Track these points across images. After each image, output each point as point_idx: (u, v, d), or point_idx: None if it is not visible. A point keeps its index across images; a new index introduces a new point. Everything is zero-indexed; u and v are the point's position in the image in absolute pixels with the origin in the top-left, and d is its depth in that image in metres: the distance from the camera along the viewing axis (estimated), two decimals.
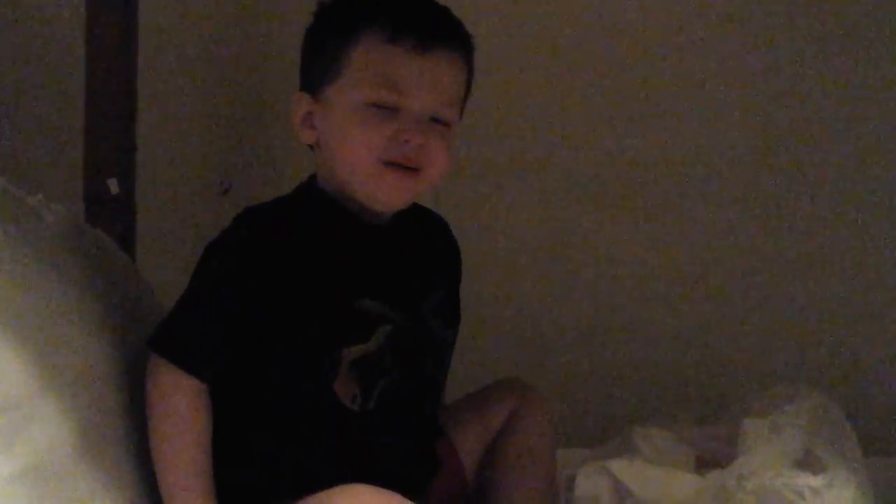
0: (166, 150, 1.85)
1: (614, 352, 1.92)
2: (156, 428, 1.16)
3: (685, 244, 1.91)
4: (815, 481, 1.27)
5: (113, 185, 1.57)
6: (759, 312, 1.91)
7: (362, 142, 1.18)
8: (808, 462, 1.32)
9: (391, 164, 1.18)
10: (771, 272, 1.91)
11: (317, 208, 1.24)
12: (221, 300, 1.17)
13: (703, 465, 1.42)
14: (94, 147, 1.58)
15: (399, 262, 1.27)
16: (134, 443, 1.19)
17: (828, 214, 1.90)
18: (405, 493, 1.13)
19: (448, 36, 1.21)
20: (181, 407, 1.15)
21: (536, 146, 1.90)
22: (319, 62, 1.22)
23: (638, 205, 1.91)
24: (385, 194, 1.21)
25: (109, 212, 1.58)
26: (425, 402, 1.29)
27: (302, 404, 1.20)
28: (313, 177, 1.27)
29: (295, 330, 1.19)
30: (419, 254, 1.29)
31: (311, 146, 1.26)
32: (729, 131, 1.89)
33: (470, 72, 1.25)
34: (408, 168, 1.19)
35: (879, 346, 1.90)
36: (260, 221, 1.21)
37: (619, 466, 1.36)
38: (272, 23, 1.83)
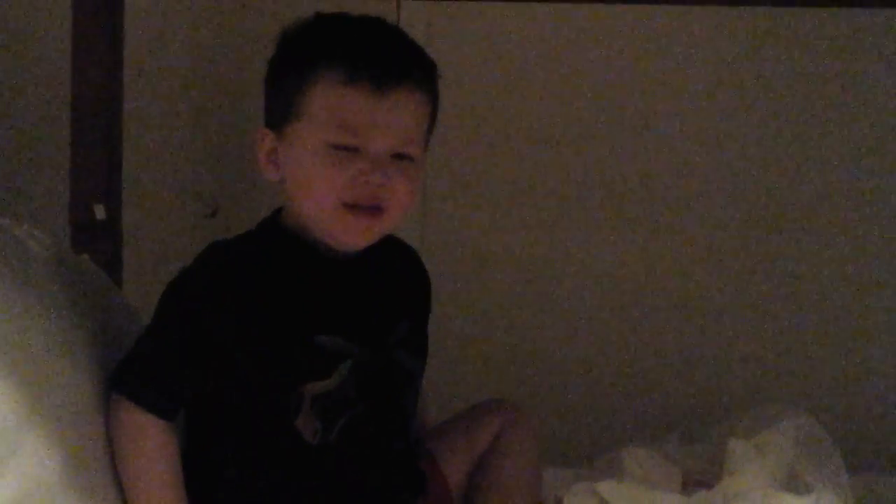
0: (152, 174, 1.85)
1: (601, 371, 1.92)
2: (125, 468, 1.16)
3: (672, 262, 1.92)
4: (801, 502, 1.27)
5: (99, 211, 1.57)
6: (745, 332, 1.92)
7: (323, 184, 1.18)
8: (793, 482, 1.32)
9: (353, 206, 1.18)
10: (757, 292, 1.91)
11: (278, 244, 1.24)
12: (181, 339, 1.18)
13: (690, 485, 1.42)
14: (80, 173, 1.58)
15: (362, 296, 1.26)
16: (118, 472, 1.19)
17: (816, 234, 1.90)
18: None
19: (407, 74, 1.19)
20: (147, 446, 1.16)
21: (523, 161, 1.90)
22: (279, 99, 1.22)
23: (624, 222, 1.91)
24: (348, 236, 1.21)
25: (95, 237, 1.58)
26: (394, 433, 1.29)
27: (264, 439, 1.21)
28: (279, 211, 1.27)
29: (256, 367, 1.19)
30: (385, 286, 1.29)
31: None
32: (719, 147, 1.89)
33: (434, 100, 1.24)
34: (370, 208, 1.19)
35: (865, 365, 1.90)
36: (221, 259, 1.21)
37: (606, 487, 1.35)
38: (259, 45, 1.82)
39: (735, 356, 1.92)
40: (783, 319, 1.91)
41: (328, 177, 1.18)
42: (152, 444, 1.16)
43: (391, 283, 1.31)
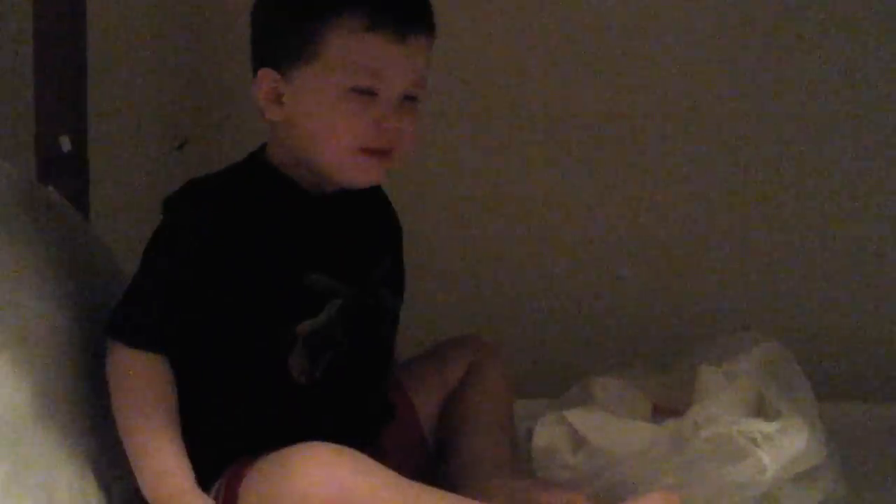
0: (119, 105, 1.83)
1: (570, 302, 1.93)
2: (119, 405, 1.16)
3: (640, 194, 1.92)
4: (769, 427, 1.28)
5: (65, 143, 1.56)
6: (712, 261, 1.92)
7: (342, 130, 1.19)
8: (761, 408, 1.34)
9: (369, 150, 1.20)
10: (725, 220, 1.92)
11: (263, 182, 1.24)
12: (170, 281, 1.18)
13: (660, 413, 1.43)
14: (45, 104, 1.57)
15: (346, 234, 1.27)
16: (91, 402, 1.19)
17: (785, 161, 1.91)
18: (358, 445, 1.14)
19: (423, 21, 1.22)
20: (143, 382, 1.16)
21: (500, 97, 1.89)
22: (287, 40, 1.20)
23: (593, 154, 1.91)
24: (363, 177, 1.22)
25: (62, 170, 1.57)
26: (375, 369, 1.30)
27: (253, 378, 1.21)
28: (262, 148, 1.27)
29: (247, 307, 1.20)
30: (364, 224, 1.30)
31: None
32: (687, 80, 1.89)
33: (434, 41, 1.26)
34: (384, 150, 1.20)
35: (833, 292, 1.92)
36: (205, 198, 1.21)
37: (576, 416, 1.36)
38: None
39: (704, 285, 1.92)
40: (752, 248, 1.92)
41: (347, 122, 1.18)
42: (147, 376, 1.16)
43: (370, 221, 1.31)
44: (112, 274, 1.35)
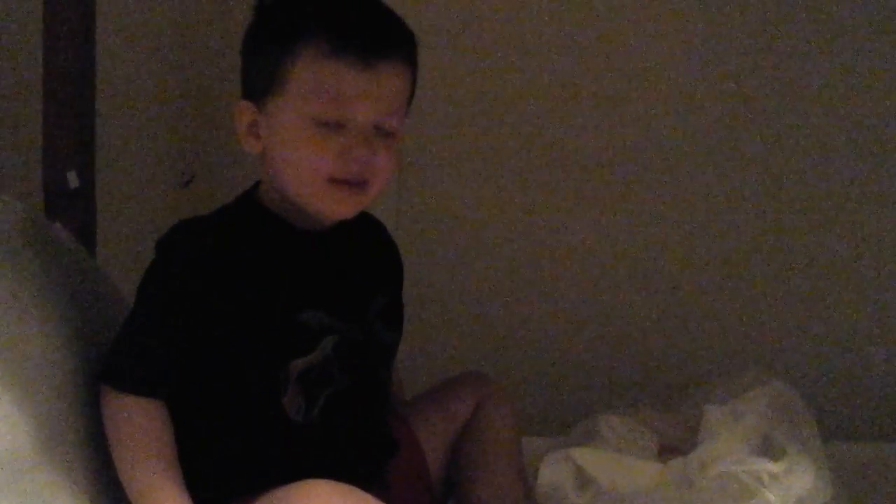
0: (127, 141, 1.84)
1: (576, 340, 1.92)
2: (118, 453, 1.16)
3: (647, 232, 1.92)
4: (775, 467, 1.28)
5: (72, 178, 1.55)
6: (720, 300, 1.92)
7: (309, 161, 1.17)
8: (768, 448, 1.33)
9: (339, 181, 1.18)
10: (732, 259, 1.92)
11: (255, 221, 1.23)
12: (162, 322, 1.17)
13: (666, 451, 1.43)
14: (53, 139, 1.57)
15: (341, 270, 1.26)
16: (93, 440, 1.19)
17: (793, 202, 1.91)
18: (361, 481, 1.14)
19: (391, 45, 1.18)
20: (141, 427, 1.15)
21: (499, 133, 1.89)
22: (260, 72, 1.20)
23: (599, 193, 1.91)
24: (334, 210, 1.21)
25: (69, 205, 1.56)
26: (374, 406, 1.29)
27: (249, 417, 1.21)
28: (257, 185, 1.26)
29: (240, 347, 1.19)
30: (360, 259, 1.29)
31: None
32: (699, 115, 1.89)
33: (414, 71, 1.23)
34: (355, 183, 1.18)
35: (840, 332, 1.91)
36: (195, 239, 1.20)
37: (582, 454, 1.36)
38: (236, 11, 1.81)
39: (711, 324, 1.92)
40: (759, 288, 1.92)
41: (314, 153, 1.17)
42: (140, 425, 1.15)
43: (366, 255, 1.31)
44: (118, 310, 1.35)
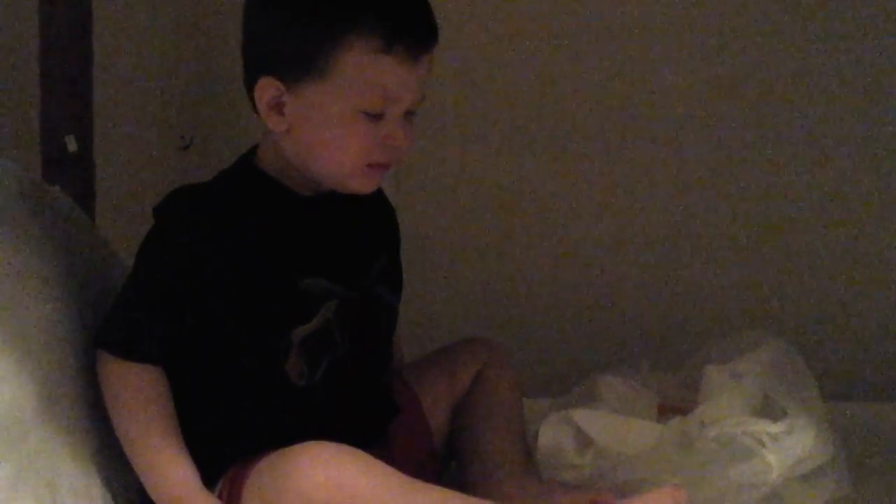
0: (125, 105, 1.83)
1: (575, 301, 1.92)
2: (117, 419, 1.16)
3: (647, 192, 1.92)
4: (775, 428, 1.28)
5: (70, 143, 1.55)
6: (720, 259, 1.92)
7: (353, 149, 1.18)
8: (768, 409, 1.33)
9: (374, 165, 1.20)
10: (732, 219, 1.91)
11: (251, 187, 1.23)
12: (160, 290, 1.17)
13: (665, 412, 1.43)
14: (51, 104, 1.56)
15: (340, 234, 1.26)
16: (93, 401, 1.19)
17: (789, 159, 1.90)
18: (362, 443, 1.14)
19: (433, 39, 1.20)
20: (138, 393, 1.16)
21: (499, 92, 1.89)
22: (297, 53, 1.17)
23: (598, 152, 1.90)
24: (363, 188, 1.22)
25: (67, 169, 1.56)
26: (375, 367, 1.30)
27: (251, 383, 1.21)
28: (253, 150, 1.26)
29: (241, 314, 1.19)
30: (359, 223, 1.29)
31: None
32: (692, 79, 1.88)
33: None
34: (386, 165, 1.21)
35: (839, 292, 1.91)
36: (194, 205, 1.19)
37: (581, 415, 1.36)
38: None
39: (711, 284, 1.92)
40: (759, 248, 1.92)
41: (357, 141, 1.17)
42: (137, 391, 1.16)
43: (364, 219, 1.30)
44: (117, 275, 1.35)
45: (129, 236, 1.26)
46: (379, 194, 1.35)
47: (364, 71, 1.16)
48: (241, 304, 1.19)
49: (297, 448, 1.11)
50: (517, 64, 1.87)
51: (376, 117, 1.17)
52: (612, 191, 1.91)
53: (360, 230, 1.29)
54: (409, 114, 1.20)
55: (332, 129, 1.18)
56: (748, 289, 1.92)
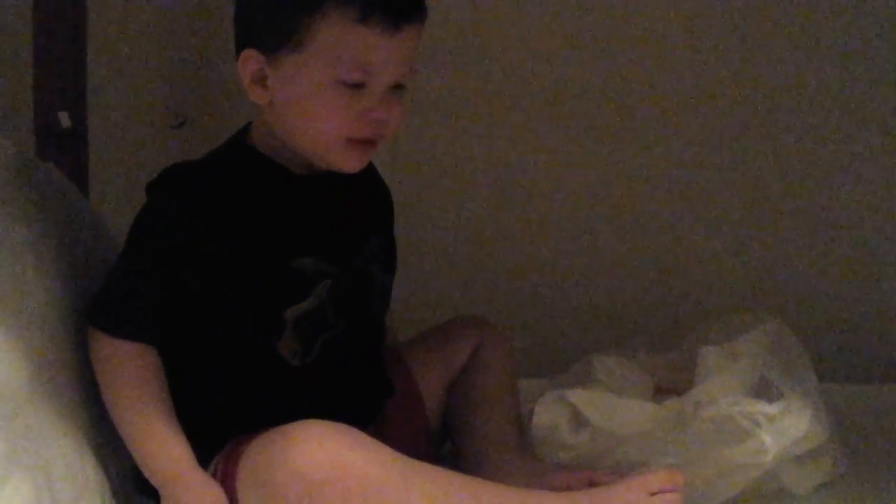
0: (119, 82, 1.82)
1: (572, 282, 1.92)
2: (110, 398, 1.16)
3: (643, 174, 1.91)
4: (771, 408, 1.28)
5: (64, 119, 1.55)
6: (716, 240, 1.92)
7: (329, 121, 1.16)
8: (763, 389, 1.33)
9: (355, 140, 1.18)
10: (727, 200, 1.91)
11: (245, 165, 1.22)
12: (153, 268, 1.16)
13: (661, 392, 1.43)
14: (44, 80, 1.55)
15: (334, 213, 1.25)
16: (86, 378, 1.19)
17: (786, 143, 1.90)
18: (357, 422, 1.14)
19: (415, 11, 1.17)
20: (129, 370, 1.16)
21: (493, 71, 1.88)
22: (274, 24, 1.17)
23: (593, 133, 1.90)
24: (346, 165, 1.20)
25: (61, 146, 1.56)
26: (369, 348, 1.30)
27: (245, 363, 1.21)
28: (247, 128, 1.25)
29: (234, 294, 1.18)
30: (352, 202, 1.28)
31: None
32: (690, 59, 1.88)
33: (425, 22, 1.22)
34: (369, 140, 1.19)
35: (835, 273, 1.91)
36: (187, 183, 1.19)
37: (577, 395, 1.36)
38: None
39: (708, 265, 1.92)
40: (755, 229, 1.92)
41: (335, 113, 1.16)
42: (129, 368, 1.16)
43: (357, 198, 1.29)
44: (110, 250, 1.35)
45: (123, 213, 1.25)
46: (373, 173, 1.34)
47: (340, 41, 1.14)
48: (234, 283, 1.18)
49: (293, 426, 1.11)
50: (515, 43, 1.87)
51: (356, 88, 1.16)
52: (609, 170, 1.91)
53: (354, 209, 1.28)
54: (397, 88, 1.19)
55: (309, 99, 1.16)
56: (744, 270, 1.92)
